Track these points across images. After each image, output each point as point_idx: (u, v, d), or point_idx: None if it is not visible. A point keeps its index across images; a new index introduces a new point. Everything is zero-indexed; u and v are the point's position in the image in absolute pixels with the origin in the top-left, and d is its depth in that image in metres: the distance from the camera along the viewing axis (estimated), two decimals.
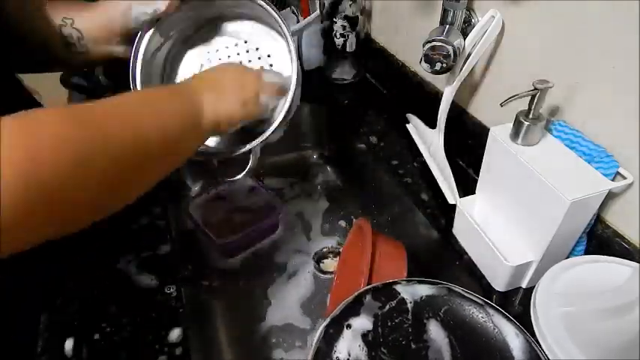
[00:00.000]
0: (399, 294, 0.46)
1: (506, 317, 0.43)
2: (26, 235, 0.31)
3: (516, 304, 0.51)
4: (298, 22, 0.90)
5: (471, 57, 0.55)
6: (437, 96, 0.63)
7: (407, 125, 0.72)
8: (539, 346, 0.38)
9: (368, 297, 0.46)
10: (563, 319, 0.38)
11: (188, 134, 0.43)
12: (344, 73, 0.92)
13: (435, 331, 0.44)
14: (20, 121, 0.29)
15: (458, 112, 0.66)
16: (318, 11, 0.87)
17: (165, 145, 0.39)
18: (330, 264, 0.77)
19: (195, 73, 0.49)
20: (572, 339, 0.37)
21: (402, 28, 0.78)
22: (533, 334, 0.40)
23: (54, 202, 0.30)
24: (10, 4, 0.48)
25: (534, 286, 0.51)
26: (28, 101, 0.57)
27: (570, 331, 0.37)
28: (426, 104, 0.69)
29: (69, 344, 0.47)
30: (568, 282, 0.41)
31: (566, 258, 0.50)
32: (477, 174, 0.56)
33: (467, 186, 0.59)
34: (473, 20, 0.58)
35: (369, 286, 0.47)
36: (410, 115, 0.72)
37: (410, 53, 0.78)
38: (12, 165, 0.28)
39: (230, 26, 0.59)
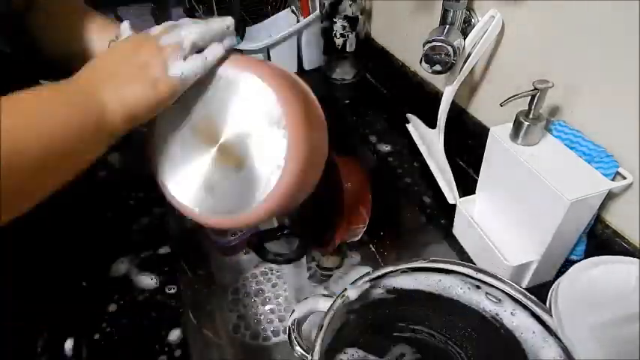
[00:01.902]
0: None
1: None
2: None
3: None
4: (298, 22, 0.90)
5: (471, 57, 0.55)
6: (437, 96, 0.63)
7: (407, 125, 0.72)
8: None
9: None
10: (591, 329, 0.36)
11: (90, 139, 0.36)
12: (344, 73, 0.92)
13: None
14: None
15: (458, 112, 0.66)
16: (318, 11, 0.87)
17: (59, 158, 0.34)
18: (328, 260, 0.77)
19: (87, 64, 0.39)
20: (603, 349, 0.36)
21: (402, 28, 0.78)
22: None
23: None
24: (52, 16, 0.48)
25: (534, 286, 0.51)
26: None
27: (601, 342, 0.36)
28: (426, 104, 0.69)
29: (69, 344, 0.47)
30: (587, 287, 0.39)
31: (567, 258, 0.50)
32: (477, 174, 0.56)
33: (467, 186, 0.59)
34: (473, 20, 0.58)
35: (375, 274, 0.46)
36: (410, 115, 0.72)
37: (410, 53, 0.78)
38: None
39: None
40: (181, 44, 0.39)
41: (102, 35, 0.48)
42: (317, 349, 0.38)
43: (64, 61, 0.50)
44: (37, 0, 0.49)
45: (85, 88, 0.37)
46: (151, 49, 0.39)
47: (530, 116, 0.45)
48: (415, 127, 0.71)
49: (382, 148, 0.77)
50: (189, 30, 0.40)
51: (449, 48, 0.51)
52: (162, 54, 0.39)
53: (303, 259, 0.77)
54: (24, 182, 0.33)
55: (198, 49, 0.41)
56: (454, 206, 0.57)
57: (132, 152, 0.73)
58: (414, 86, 0.77)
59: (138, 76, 0.38)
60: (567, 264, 0.50)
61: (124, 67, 0.39)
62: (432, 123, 0.64)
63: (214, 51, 0.41)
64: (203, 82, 0.41)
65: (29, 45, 0.49)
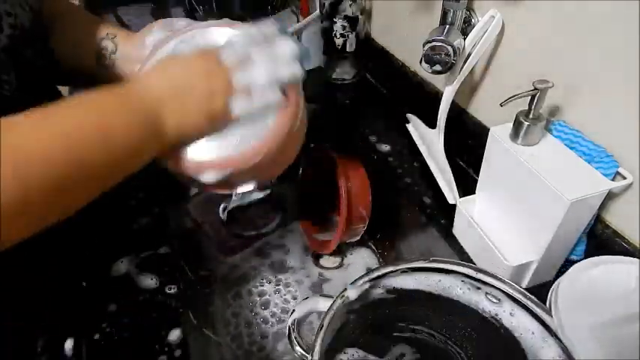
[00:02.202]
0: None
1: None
2: None
3: None
4: (298, 22, 0.90)
5: (471, 57, 0.55)
6: (437, 96, 0.63)
7: (407, 125, 0.72)
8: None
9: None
10: (592, 330, 0.37)
11: (145, 148, 0.37)
12: (344, 73, 0.92)
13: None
14: None
15: (458, 112, 0.66)
16: (318, 11, 0.87)
17: (116, 163, 0.36)
18: (328, 260, 0.77)
19: (156, 65, 0.40)
20: (603, 349, 0.36)
21: (402, 28, 0.78)
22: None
23: None
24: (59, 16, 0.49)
25: (534, 286, 0.51)
26: None
27: (601, 342, 0.36)
28: (426, 104, 0.69)
29: (69, 344, 0.47)
30: (587, 287, 0.40)
31: (567, 258, 0.50)
32: (477, 174, 0.56)
33: (467, 186, 0.59)
34: (473, 20, 0.58)
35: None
36: (410, 115, 0.72)
37: (410, 53, 0.78)
38: None
39: None
40: (251, 87, 0.39)
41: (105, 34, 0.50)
42: (317, 349, 0.38)
43: (77, 68, 0.51)
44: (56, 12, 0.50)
45: (150, 100, 0.37)
46: (223, 83, 0.39)
47: (530, 116, 0.45)
48: (415, 127, 0.71)
49: (382, 148, 0.77)
50: (260, 71, 0.40)
51: (449, 48, 0.51)
52: (231, 92, 0.39)
53: (310, 264, 0.77)
54: (88, 183, 0.35)
55: None
56: (454, 206, 0.57)
57: None
58: (414, 86, 0.77)
59: (202, 110, 0.39)
60: (567, 264, 0.50)
61: (192, 94, 0.38)
62: (432, 123, 0.64)
63: (270, 97, 0.40)
64: None
65: (52, 56, 0.50)
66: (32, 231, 0.33)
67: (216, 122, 0.39)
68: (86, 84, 0.61)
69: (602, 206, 0.45)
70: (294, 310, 0.43)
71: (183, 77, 0.39)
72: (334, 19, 0.84)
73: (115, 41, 0.49)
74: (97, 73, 0.51)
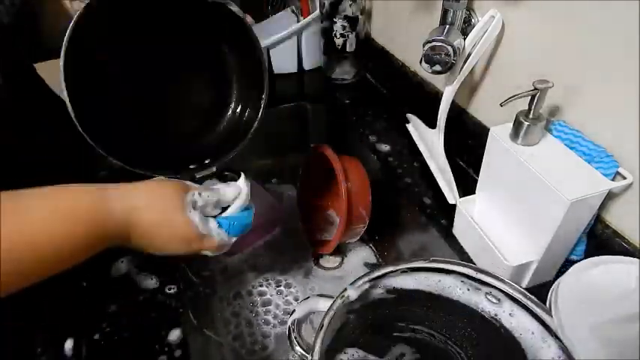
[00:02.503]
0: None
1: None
2: None
3: None
4: (298, 22, 0.90)
5: (471, 57, 0.55)
6: (437, 96, 0.63)
7: (407, 125, 0.72)
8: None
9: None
10: (592, 330, 0.36)
11: (102, 247, 0.40)
12: (344, 73, 0.92)
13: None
14: None
15: (458, 112, 0.66)
16: (318, 11, 0.87)
17: (67, 256, 0.38)
18: (328, 260, 0.77)
19: (134, 202, 0.40)
20: (603, 349, 0.36)
21: (402, 28, 0.78)
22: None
23: None
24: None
25: (534, 286, 0.51)
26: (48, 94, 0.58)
27: (601, 342, 0.36)
28: (426, 104, 0.69)
29: (69, 344, 0.47)
30: (587, 287, 0.40)
31: (567, 258, 0.50)
32: (477, 174, 0.56)
33: (467, 186, 0.59)
34: (473, 20, 0.58)
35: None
36: (410, 115, 0.72)
37: (410, 53, 0.78)
38: None
39: None
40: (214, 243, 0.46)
41: None
42: (317, 349, 0.38)
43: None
44: None
45: (118, 215, 0.39)
46: (198, 238, 0.44)
47: (530, 116, 0.45)
48: (415, 127, 0.71)
49: (382, 148, 0.77)
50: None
51: (449, 48, 0.51)
52: (203, 244, 0.45)
53: (310, 264, 0.77)
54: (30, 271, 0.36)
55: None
56: (454, 206, 0.57)
57: None
58: (414, 86, 0.77)
59: (165, 249, 0.43)
60: (567, 264, 0.50)
61: (154, 245, 0.42)
62: (432, 123, 0.64)
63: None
64: None
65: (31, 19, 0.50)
66: None
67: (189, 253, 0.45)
68: None
69: (602, 206, 0.45)
70: (294, 311, 0.43)
71: (154, 230, 0.41)
72: (334, 19, 0.84)
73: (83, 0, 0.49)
74: None
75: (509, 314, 0.42)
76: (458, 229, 0.59)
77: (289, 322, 0.43)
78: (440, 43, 0.51)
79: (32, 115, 0.51)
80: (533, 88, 0.43)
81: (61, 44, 0.40)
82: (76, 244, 0.37)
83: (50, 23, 0.51)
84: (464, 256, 0.57)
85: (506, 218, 0.52)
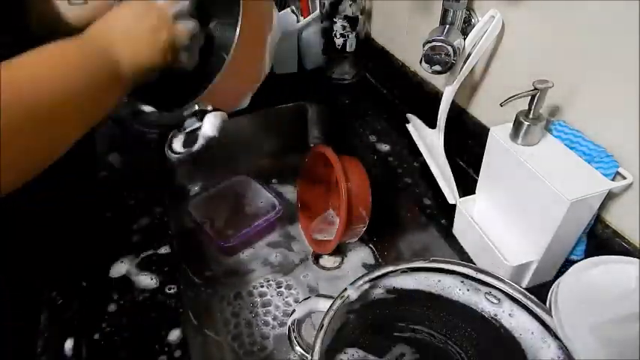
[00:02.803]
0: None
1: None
2: None
3: None
4: (298, 22, 0.90)
5: (470, 57, 0.55)
6: (437, 96, 0.63)
7: (407, 125, 0.72)
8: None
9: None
10: (592, 330, 0.36)
11: (104, 88, 0.40)
12: (344, 73, 0.92)
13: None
14: None
15: (458, 112, 0.66)
16: (318, 11, 0.87)
17: (72, 108, 0.37)
18: (328, 260, 0.77)
19: (100, 19, 0.43)
20: (603, 349, 0.35)
21: (402, 28, 0.78)
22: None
23: None
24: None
25: (534, 286, 0.51)
26: None
27: (601, 342, 0.36)
28: (426, 104, 0.69)
29: (69, 344, 0.47)
30: (587, 287, 0.39)
31: (567, 258, 0.50)
32: (477, 174, 0.56)
33: (467, 186, 0.59)
34: (473, 20, 0.58)
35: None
36: (410, 115, 0.72)
37: (410, 53, 0.78)
38: None
39: None
40: (187, 26, 0.45)
41: None
42: (317, 349, 0.38)
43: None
44: None
45: (99, 42, 0.40)
46: (165, 18, 0.44)
47: (530, 116, 0.45)
48: (415, 127, 0.71)
49: (382, 148, 0.77)
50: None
51: (449, 48, 0.51)
52: (173, 26, 0.44)
53: (310, 264, 0.77)
54: (35, 136, 0.34)
55: None
56: (454, 206, 0.57)
57: (132, 152, 0.73)
58: (414, 86, 0.77)
59: (150, 43, 0.43)
60: (567, 264, 0.50)
61: (137, 28, 0.43)
62: (432, 123, 0.64)
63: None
64: None
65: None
66: (18, 172, 0.33)
67: (167, 52, 0.44)
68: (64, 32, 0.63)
69: (602, 206, 0.45)
70: (294, 311, 0.43)
71: (124, 17, 0.43)
72: (334, 19, 0.84)
73: None
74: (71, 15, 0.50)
75: (509, 314, 0.42)
76: (458, 229, 0.59)
77: (289, 322, 0.43)
78: (440, 43, 0.51)
79: None
80: (533, 88, 0.43)
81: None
82: (77, 85, 0.37)
83: (38, 12, 0.50)
84: (464, 256, 0.57)
85: (506, 218, 0.52)
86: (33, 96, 0.33)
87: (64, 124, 0.36)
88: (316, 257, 0.78)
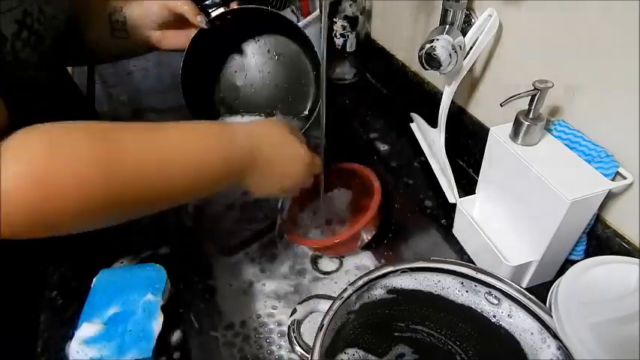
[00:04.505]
0: None
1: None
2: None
3: None
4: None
5: (469, 56, 0.54)
6: (437, 96, 0.63)
7: (410, 125, 0.72)
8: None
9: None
10: (592, 330, 0.36)
11: (222, 186, 0.44)
12: (344, 73, 0.92)
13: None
14: (41, 143, 0.31)
15: (458, 112, 0.66)
16: (318, 11, 0.87)
17: (191, 195, 0.42)
18: (329, 260, 0.77)
19: (256, 131, 0.45)
20: (603, 349, 0.35)
21: (402, 28, 0.78)
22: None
23: (51, 227, 0.33)
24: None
25: (534, 286, 0.51)
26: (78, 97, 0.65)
27: (601, 342, 0.36)
28: (426, 104, 0.69)
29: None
30: (587, 287, 0.39)
31: (567, 258, 0.50)
32: (477, 174, 0.56)
33: (467, 186, 0.59)
34: (473, 20, 0.57)
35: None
36: (413, 114, 0.72)
37: (410, 53, 0.78)
38: (18, 193, 0.29)
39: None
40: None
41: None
42: (317, 349, 0.38)
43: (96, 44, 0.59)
44: None
45: (243, 165, 0.43)
46: (308, 170, 0.49)
47: (530, 116, 0.45)
48: (418, 126, 0.71)
49: (382, 148, 0.77)
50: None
51: (449, 48, 0.51)
52: (309, 177, 0.50)
53: (310, 264, 0.77)
54: (157, 205, 0.40)
55: None
56: (454, 206, 0.57)
57: None
58: (414, 86, 0.77)
59: (283, 181, 0.47)
60: (567, 264, 0.50)
61: (282, 168, 0.47)
62: (432, 123, 0.64)
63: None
64: None
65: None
66: (103, 224, 0.38)
67: (285, 194, 0.50)
68: (108, 58, 0.72)
69: (602, 206, 0.45)
70: (294, 311, 0.43)
71: (274, 158, 0.45)
72: (334, 19, 0.84)
73: (123, 13, 0.56)
74: (116, 46, 0.59)
75: (509, 314, 0.42)
76: (458, 229, 0.59)
77: (289, 322, 0.43)
78: (440, 43, 0.51)
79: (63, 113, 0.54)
80: (533, 88, 0.43)
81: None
82: (203, 178, 0.41)
83: (95, 33, 0.57)
84: (464, 256, 0.57)
85: (506, 218, 0.52)
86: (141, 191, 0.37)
87: (173, 199, 0.41)
88: (316, 257, 0.78)
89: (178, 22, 0.58)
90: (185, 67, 0.61)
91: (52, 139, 0.31)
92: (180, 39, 0.59)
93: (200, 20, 0.55)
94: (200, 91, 0.67)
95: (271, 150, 0.45)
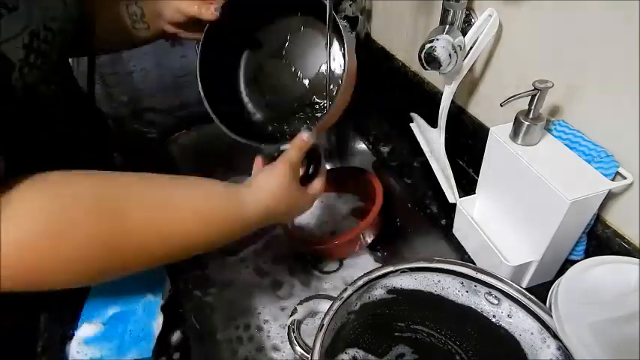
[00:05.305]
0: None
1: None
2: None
3: None
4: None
5: (469, 56, 0.54)
6: (437, 96, 0.63)
7: (410, 125, 0.72)
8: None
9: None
10: (592, 329, 0.36)
11: (231, 236, 0.45)
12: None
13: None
14: (43, 212, 0.32)
15: (458, 112, 0.66)
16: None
17: (197, 248, 0.43)
18: (326, 264, 0.77)
19: (268, 206, 0.46)
20: (603, 349, 0.35)
21: (402, 28, 0.78)
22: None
23: (38, 283, 0.34)
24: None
25: (534, 286, 0.51)
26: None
27: (601, 342, 0.36)
28: (426, 104, 0.69)
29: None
30: (587, 287, 0.39)
31: (567, 258, 0.50)
32: (477, 174, 0.56)
33: (467, 186, 0.59)
34: (473, 20, 0.57)
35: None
36: (413, 114, 0.72)
37: (410, 53, 0.78)
38: (17, 261, 0.31)
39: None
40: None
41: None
42: (317, 349, 0.38)
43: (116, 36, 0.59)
44: None
45: (249, 215, 0.45)
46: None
47: (530, 116, 0.45)
48: (418, 126, 0.71)
49: (382, 148, 0.77)
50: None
51: (449, 48, 0.51)
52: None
53: (310, 264, 0.77)
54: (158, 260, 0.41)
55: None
56: (454, 206, 0.57)
57: (132, 152, 0.73)
58: (414, 86, 0.77)
59: (289, 216, 0.52)
60: (567, 264, 0.50)
61: (286, 210, 0.48)
62: (432, 123, 0.64)
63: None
64: None
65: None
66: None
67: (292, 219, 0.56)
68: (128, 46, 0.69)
69: (602, 206, 0.45)
70: (294, 311, 0.43)
71: (278, 206, 0.47)
72: None
73: (139, 5, 0.56)
74: (136, 36, 0.58)
75: (509, 314, 0.42)
76: (458, 229, 0.59)
77: (289, 322, 0.43)
78: (440, 43, 0.51)
79: (69, 119, 0.54)
80: (533, 88, 0.43)
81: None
82: (206, 241, 0.43)
83: (105, 27, 0.57)
84: (464, 256, 0.57)
85: (506, 218, 0.52)
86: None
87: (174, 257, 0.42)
88: (316, 257, 0.78)
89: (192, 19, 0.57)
90: (203, 53, 0.58)
91: (54, 209, 0.33)
92: (196, 31, 0.58)
93: (211, 12, 0.54)
94: (220, 76, 0.64)
95: (281, 217, 0.49)
